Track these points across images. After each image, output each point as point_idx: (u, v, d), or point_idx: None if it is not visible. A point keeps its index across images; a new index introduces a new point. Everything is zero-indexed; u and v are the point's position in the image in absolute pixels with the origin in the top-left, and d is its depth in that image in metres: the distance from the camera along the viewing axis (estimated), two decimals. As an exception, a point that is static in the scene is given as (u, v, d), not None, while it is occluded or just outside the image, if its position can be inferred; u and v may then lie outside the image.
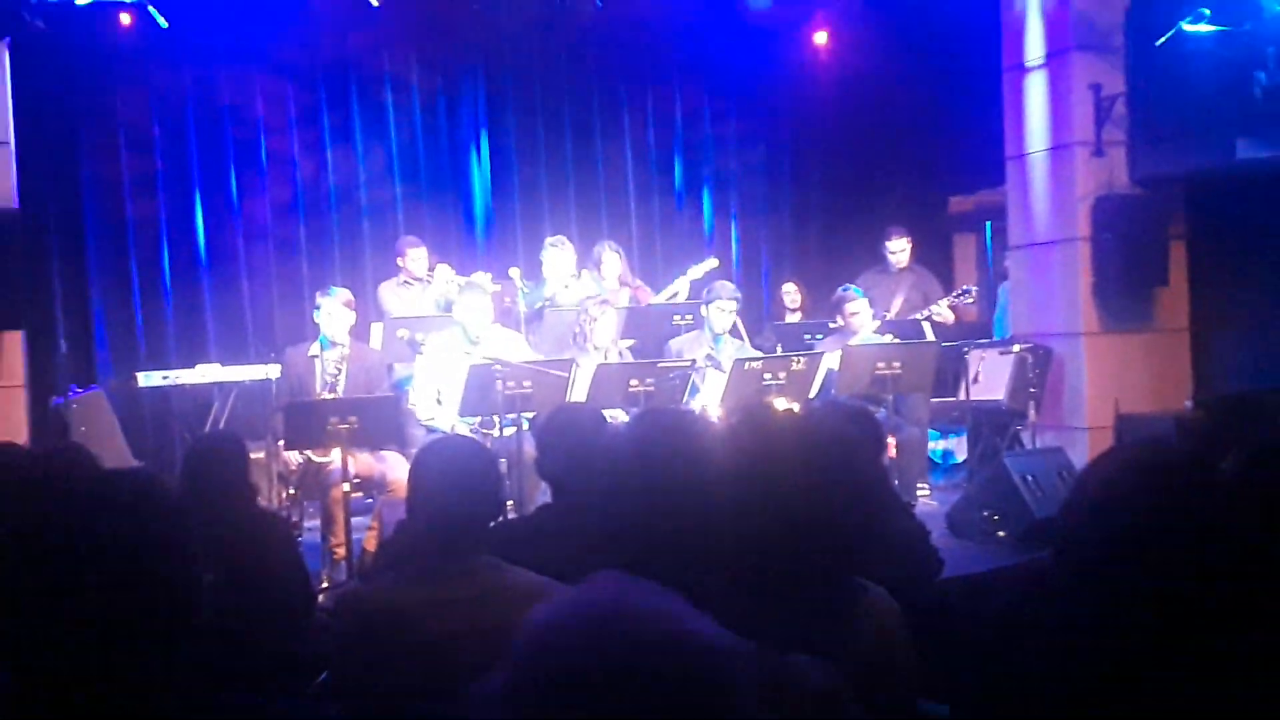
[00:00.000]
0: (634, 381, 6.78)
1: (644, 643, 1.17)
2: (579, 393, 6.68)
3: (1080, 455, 7.71)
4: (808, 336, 8.87)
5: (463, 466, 2.88)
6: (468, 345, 7.09)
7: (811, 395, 7.32)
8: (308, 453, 6.68)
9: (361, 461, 6.65)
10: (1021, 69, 9.21)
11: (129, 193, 9.77)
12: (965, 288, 9.40)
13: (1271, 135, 7.84)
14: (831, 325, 8.54)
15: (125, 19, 8.84)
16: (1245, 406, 4.98)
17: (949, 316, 9.01)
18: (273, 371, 7.94)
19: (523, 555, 2.90)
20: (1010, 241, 9.55)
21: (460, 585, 2.74)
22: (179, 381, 8.52)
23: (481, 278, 8.11)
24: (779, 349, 8.84)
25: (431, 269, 8.95)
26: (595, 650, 1.16)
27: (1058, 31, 8.92)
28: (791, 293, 10.51)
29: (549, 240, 8.92)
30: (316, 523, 6.82)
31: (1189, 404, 8.26)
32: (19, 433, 6.96)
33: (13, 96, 7.33)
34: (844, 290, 8.33)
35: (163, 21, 7.57)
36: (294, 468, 6.82)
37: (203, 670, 1.75)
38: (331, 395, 6.87)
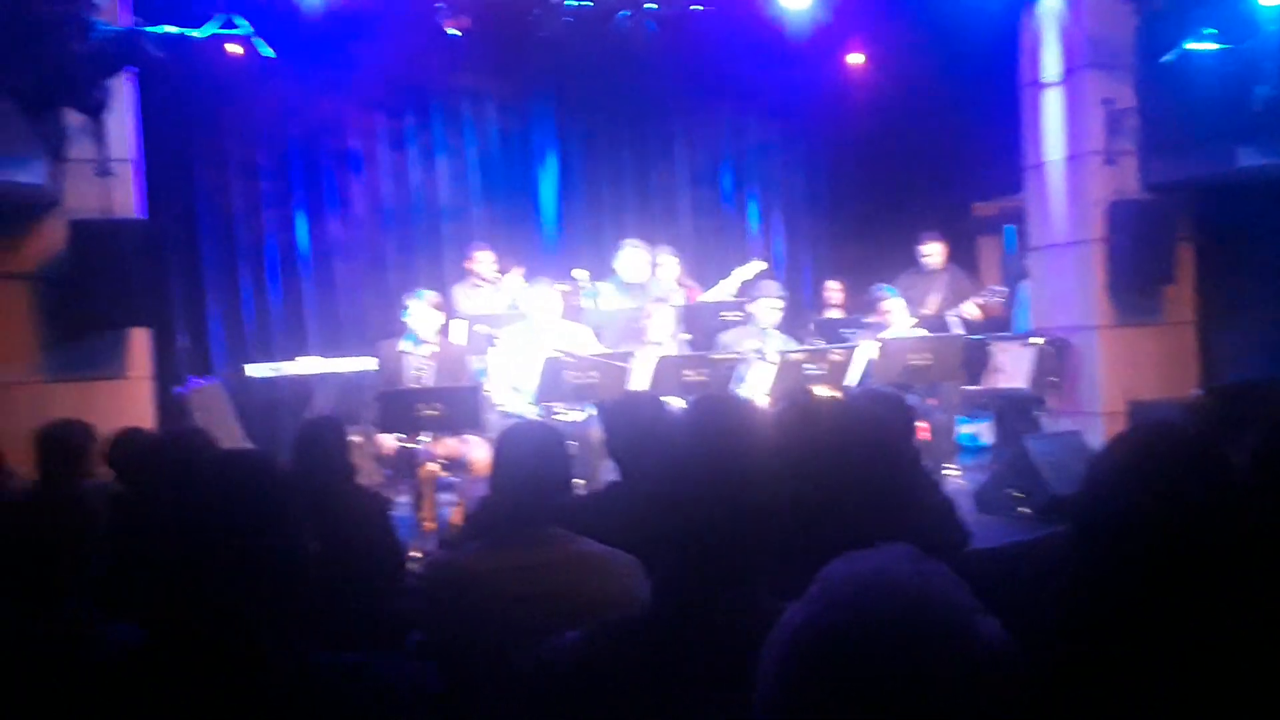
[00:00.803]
0: (689, 372, 6.78)
1: (937, 647, 1.03)
2: (639, 382, 6.69)
3: (1095, 438, 7.63)
4: (845, 331, 8.83)
5: (537, 448, 2.90)
6: (538, 339, 7.12)
7: (850, 383, 7.29)
8: (401, 437, 6.74)
9: (447, 444, 6.70)
10: (1039, 85, 9.11)
11: (238, 204, 9.91)
12: (994, 288, 9.30)
13: (1270, 145, 7.72)
14: (866, 320, 8.49)
15: (235, 49, 8.94)
16: (1250, 393, 4.89)
17: (976, 314, 8.92)
18: (368, 363, 8.03)
19: (590, 527, 2.92)
20: (1030, 243, 9.45)
21: (535, 553, 2.76)
22: (283, 372, 8.62)
23: (545, 283, 8.14)
24: (820, 343, 8.80)
25: (505, 273, 8.98)
26: (889, 653, 1.02)
27: (1073, 51, 8.81)
28: (834, 290, 10.45)
29: (627, 241, 8.91)
30: (408, 499, 6.88)
31: (1196, 391, 8.15)
32: (146, 419, 7.07)
33: (137, 118, 7.45)
34: (878, 290, 8.29)
35: (268, 51, 7.65)
36: (389, 450, 6.89)
37: (309, 629, 1.78)
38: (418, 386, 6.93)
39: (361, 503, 4.09)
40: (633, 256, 8.65)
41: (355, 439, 8.41)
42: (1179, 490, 1.58)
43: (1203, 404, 7.26)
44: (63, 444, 3.65)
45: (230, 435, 7.24)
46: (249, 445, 7.24)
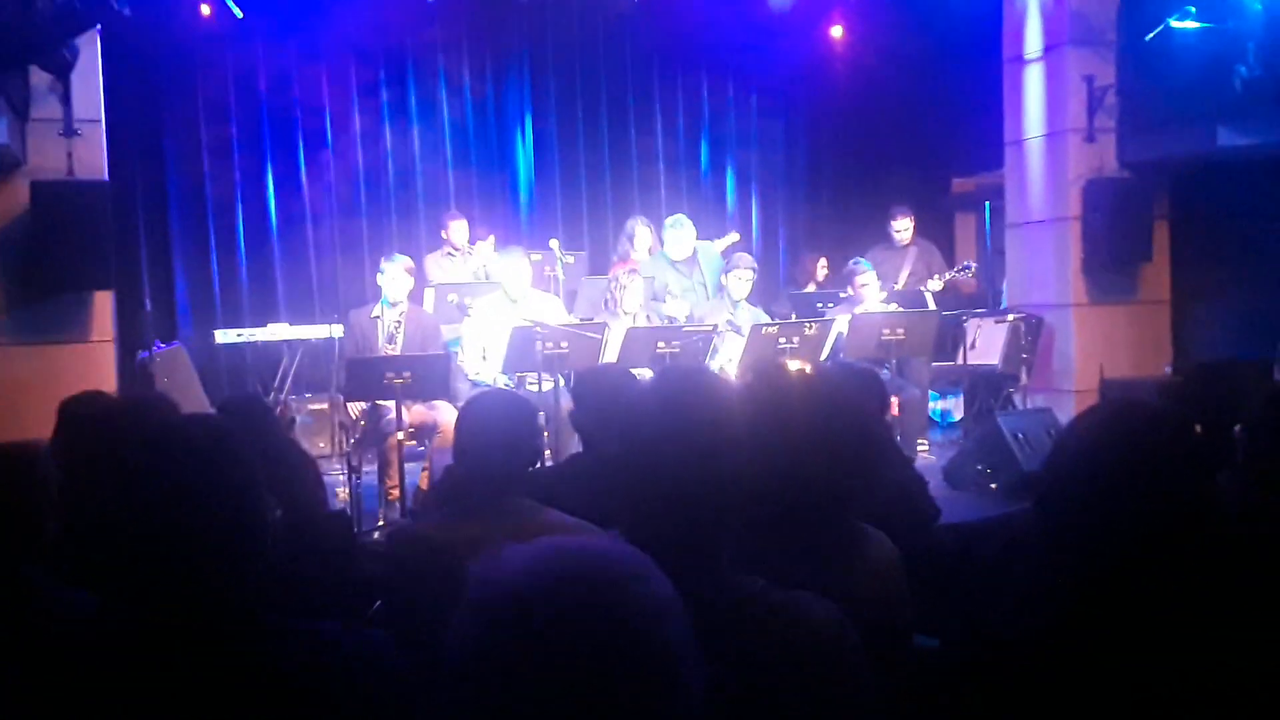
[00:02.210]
0: (661, 344, 6.78)
1: (593, 597, 1.10)
2: (611, 354, 6.68)
3: (1067, 415, 7.65)
4: (820, 305, 8.83)
5: (503, 416, 2.89)
6: (510, 308, 7.09)
7: (822, 358, 7.30)
8: (364, 405, 6.71)
9: (415, 412, 6.68)
10: (1020, 61, 9.11)
11: (207, 167, 9.81)
12: (965, 263, 9.33)
13: (1250, 125, 7.75)
14: (842, 295, 8.50)
15: (205, 9, 8.84)
16: (1220, 373, 4.93)
17: (938, 288, 8.91)
18: (336, 331, 7.98)
19: (556, 498, 2.91)
20: (1007, 220, 9.47)
21: (500, 523, 2.74)
22: (252, 339, 8.57)
23: (517, 251, 8.12)
24: (793, 316, 8.81)
25: (474, 242, 8.95)
26: (546, 603, 1.09)
27: (1054, 27, 8.81)
28: (824, 266, 10.45)
29: (639, 219, 8.84)
30: (373, 467, 6.86)
31: (1168, 370, 8.21)
32: (108, 383, 7.02)
33: (103, 78, 7.35)
34: (854, 263, 8.29)
35: (238, 12, 7.56)
36: (355, 417, 6.86)
37: (270, 596, 1.77)
38: (392, 348, 6.91)
39: (310, 470, 4.04)
40: (678, 234, 8.47)
41: (321, 407, 8.43)
42: (1146, 466, 1.58)
43: (1174, 383, 7.33)
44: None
45: (194, 401, 7.19)
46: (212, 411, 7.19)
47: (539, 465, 3.29)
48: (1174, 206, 8.99)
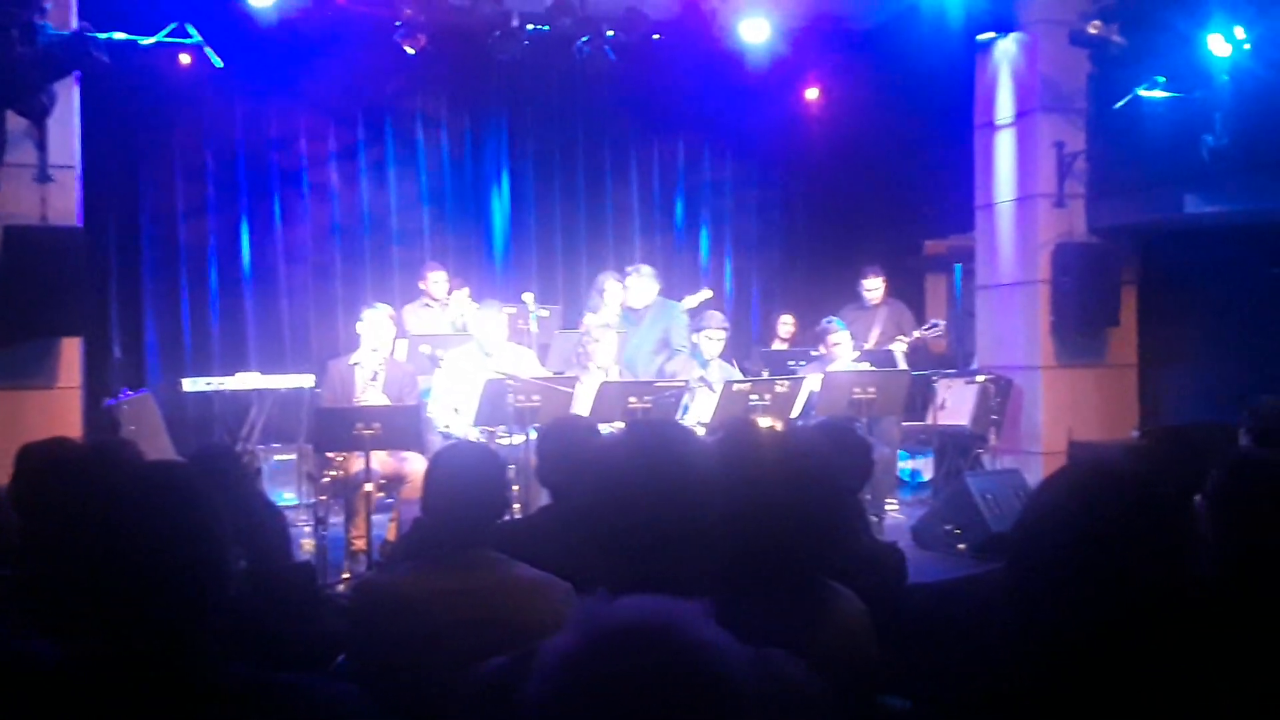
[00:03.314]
0: (633, 398, 6.77)
1: (668, 661, 1.13)
2: (583, 407, 6.67)
3: (1035, 477, 7.70)
4: (792, 363, 8.87)
5: (473, 468, 2.87)
6: (482, 360, 7.09)
7: (794, 415, 7.31)
8: (337, 460, 6.66)
9: (385, 463, 6.64)
10: (992, 127, 9.24)
11: (182, 215, 9.79)
12: (934, 322, 9.40)
13: (1216, 193, 7.87)
14: (814, 353, 8.54)
15: (184, 59, 8.86)
16: (1185, 437, 4.97)
17: (903, 348, 8.97)
18: (307, 381, 7.94)
19: (524, 552, 2.89)
20: (978, 281, 9.56)
21: (467, 576, 2.72)
22: (221, 387, 8.50)
23: (492, 304, 8.13)
24: (765, 373, 8.82)
25: (451, 293, 8.95)
26: (625, 674, 1.12)
27: (1026, 94, 8.95)
28: (788, 323, 10.51)
29: (608, 274, 8.82)
30: (340, 518, 6.80)
31: (1135, 433, 8.26)
32: (74, 430, 6.94)
33: (80, 124, 7.34)
34: (828, 322, 8.33)
35: (218, 62, 7.56)
36: (324, 468, 6.81)
37: (233, 647, 1.74)
38: (374, 387, 6.87)
39: (276, 522, 4.00)
40: (635, 282, 8.50)
41: (288, 457, 8.36)
42: (1114, 530, 1.58)
43: (1141, 446, 7.38)
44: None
45: (160, 449, 7.12)
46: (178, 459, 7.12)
47: (507, 518, 3.27)
48: (1142, 271, 9.10)
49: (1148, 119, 7.98)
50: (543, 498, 6.17)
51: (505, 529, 3.23)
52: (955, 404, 8.72)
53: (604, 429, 5.24)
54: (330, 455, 6.63)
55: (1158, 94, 7.85)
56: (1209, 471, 2.59)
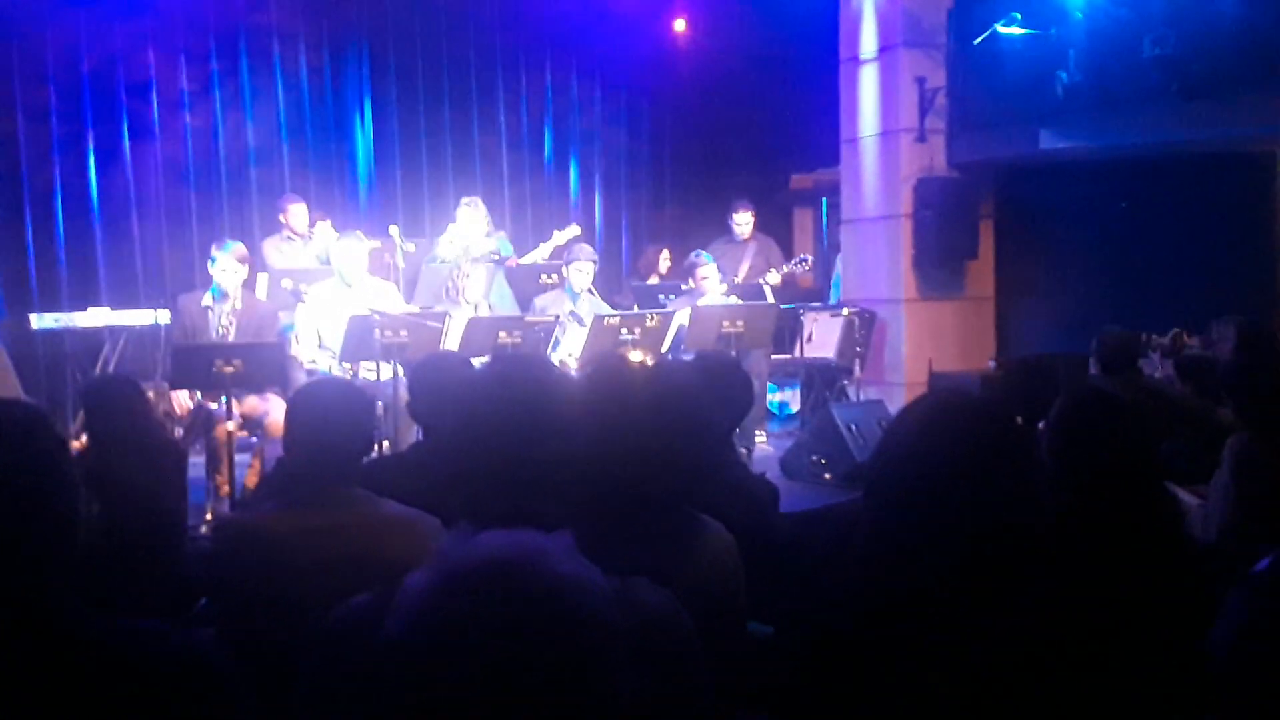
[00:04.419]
0: (503, 334, 6.73)
1: (527, 595, 1.13)
2: (452, 343, 6.61)
3: (898, 407, 7.91)
4: (662, 297, 8.91)
5: (336, 404, 2.82)
6: (346, 294, 6.95)
7: (664, 349, 7.36)
8: (197, 396, 6.48)
9: (246, 403, 6.49)
10: (856, 61, 9.35)
11: (24, 141, 9.32)
12: (802, 256, 9.53)
13: (1070, 129, 8.11)
14: (684, 287, 8.58)
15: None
16: (1038, 367, 5.16)
17: (776, 281, 9.12)
18: (162, 316, 7.68)
19: (393, 489, 2.86)
20: (842, 216, 9.71)
21: (333, 514, 2.68)
22: (71, 324, 8.18)
23: (357, 235, 7.97)
24: (635, 308, 8.85)
25: (313, 225, 8.74)
26: (485, 611, 1.12)
27: (889, 29, 9.06)
28: (667, 258, 10.52)
29: (464, 200, 8.80)
30: (201, 460, 6.63)
31: (992, 364, 8.55)
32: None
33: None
34: (696, 256, 8.38)
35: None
36: (182, 408, 6.62)
37: (87, 594, 1.69)
38: (226, 330, 6.66)
39: (155, 462, 3.90)
40: (471, 215, 8.52)
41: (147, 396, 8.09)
42: (967, 456, 1.63)
43: (996, 375, 7.64)
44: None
45: (8, 388, 6.83)
46: (26, 399, 6.85)
47: (375, 455, 3.22)
48: (999, 206, 9.36)
49: (1005, 55, 8.16)
50: (413, 435, 6.13)
51: (373, 466, 3.19)
52: (821, 337, 8.89)
53: (477, 364, 5.21)
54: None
55: (1015, 30, 8.03)
56: (1057, 400, 2.69)
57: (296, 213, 8.78)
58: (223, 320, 6.74)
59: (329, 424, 2.76)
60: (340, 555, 2.58)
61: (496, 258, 8.26)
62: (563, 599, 1.14)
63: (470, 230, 8.54)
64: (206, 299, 6.82)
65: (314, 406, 2.82)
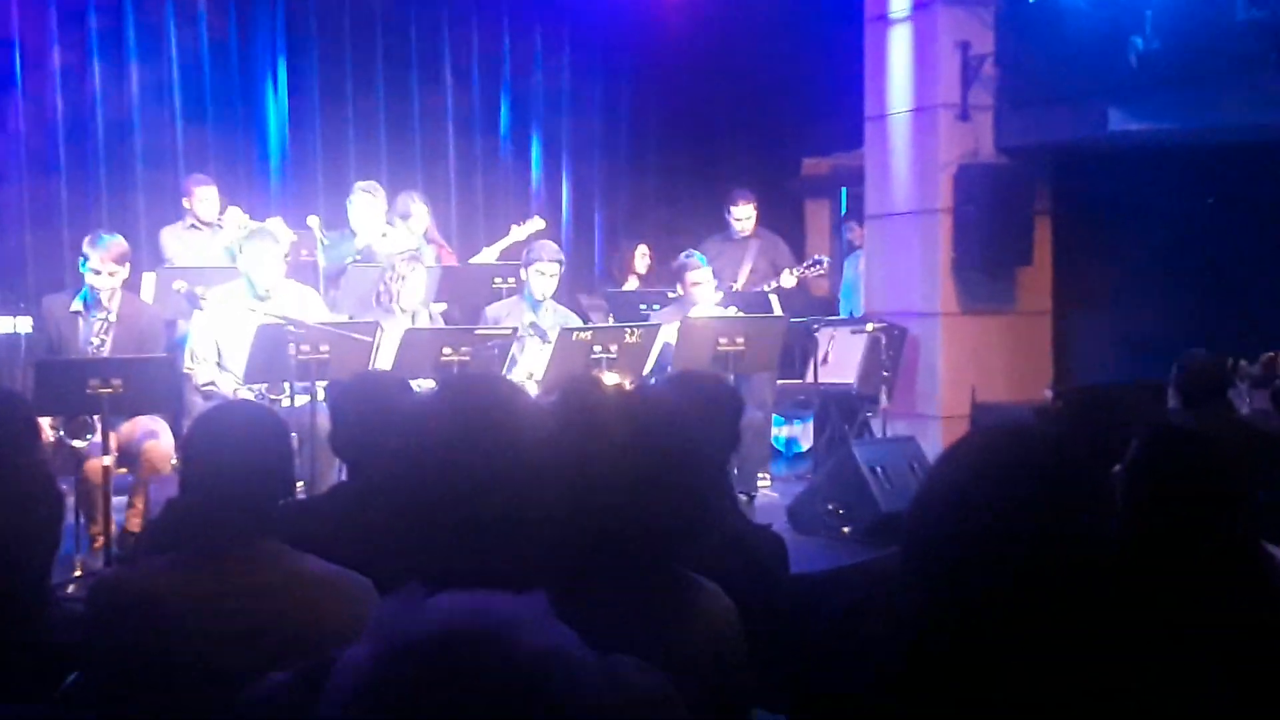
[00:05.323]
0: (447, 350, 6.73)
1: (495, 672, 1.15)
2: (384, 360, 6.60)
3: (933, 445, 7.92)
4: (644, 306, 8.92)
5: (247, 435, 2.81)
6: (254, 300, 6.94)
7: (646, 371, 7.36)
8: (60, 430, 6.44)
9: (125, 432, 6.46)
10: (885, 21, 9.37)
11: None
12: (816, 258, 9.55)
13: (1145, 107, 8.14)
14: (671, 295, 8.60)
15: None
16: (1107, 398, 5.20)
17: (792, 283, 9.14)
18: (22, 324, 7.65)
19: (314, 541, 2.85)
20: (866, 210, 9.74)
21: (239, 573, 2.66)
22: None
23: (276, 224, 7.95)
24: (610, 319, 8.85)
25: (222, 213, 8.73)
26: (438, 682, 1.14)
27: (925, -19, 9.11)
28: (645, 255, 10.53)
29: (359, 185, 8.84)
30: (71, 501, 6.59)
31: (1049, 392, 8.57)
32: None
33: None
34: (686, 257, 8.39)
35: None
36: (45, 439, 6.58)
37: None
38: (101, 344, 6.62)
39: (27, 506, 3.86)
40: (367, 204, 8.57)
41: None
42: (1023, 506, 1.63)
43: (1054, 408, 7.67)
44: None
45: None
46: None
47: (290, 498, 3.21)
48: (1057, 200, 9.39)
49: (1068, 16, 8.20)
50: (335, 474, 6.10)
51: (289, 512, 3.18)
52: (840, 358, 8.91)
53: (416, 387, 5.20)
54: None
55: (1080, -14, 8.08)
56: (1130, 439, 2.71)
57: (204, 197, 8.77)
58: (95, 331, 6.71)
59: (238, 458, 2.74)
60: (249, 624, 2.57)
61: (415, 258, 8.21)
62: (537, 678, 1.13)
63: (365, 226, 8.55)
64: (76, 304, 6.79)
65: (219, 436, 2.80)
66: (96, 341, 6.71)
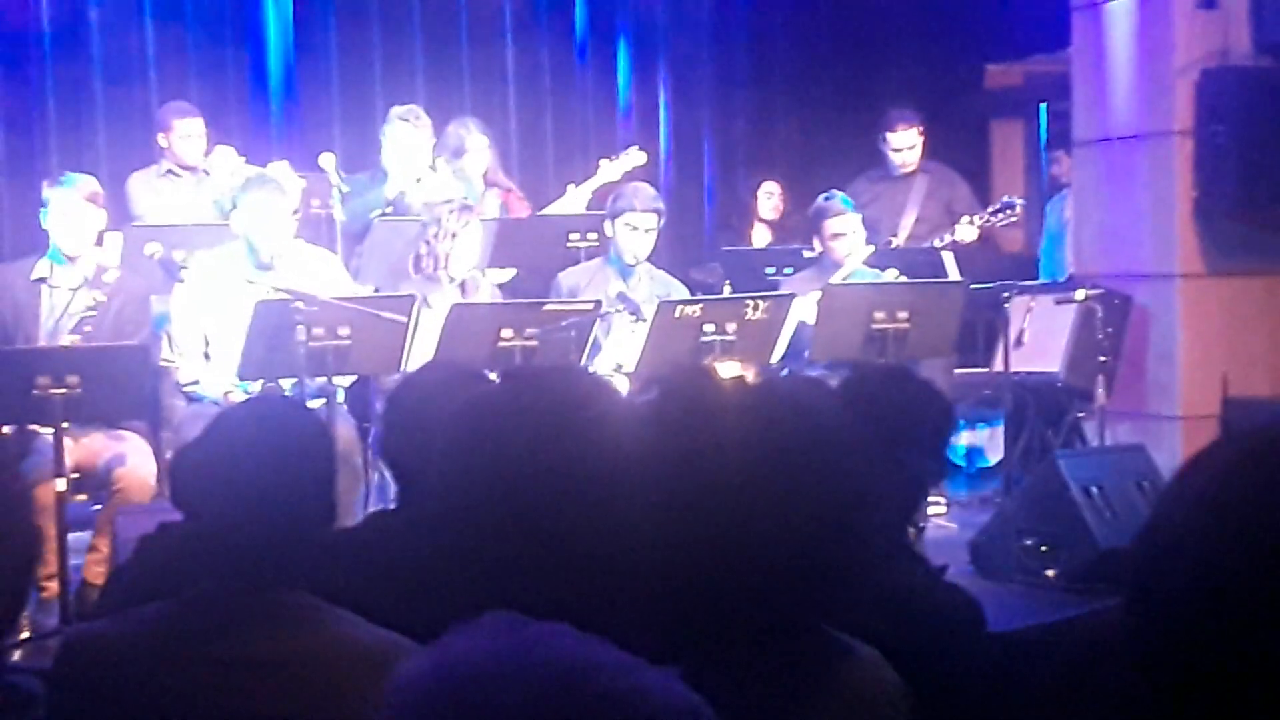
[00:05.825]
0: (507, 331, 6.78)
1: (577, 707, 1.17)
2: (423, 346, 6.65)
3: (1171, 457, 7.84)
4: (771, 270, 8.92)
5: (275, 439, 2.79)
6: (253, 270, 7.02)
7: (775, 359, 7.36)
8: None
9: (85, 446, 6.57)
10: (1099, -127, 9.30)
11: None
12: (1007, 200, 9.49)
13: None
14: (807, 253, 8.59)
15: None
16: None
17: (973, 238, 9.07)
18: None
19: (353, 590, 2.86)
20: (1075, 134, 9.66)
21: (258, 637, 2.66)
22: None
23: (280, 169, 8.03)
24: (728, 287, 8.86)
25: (208, 154, 8.85)
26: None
27: None
28: (773, 194, 10.51)
29: (396, 111, 8.88)
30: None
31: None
32: None
33: None
34: (826, 199, 8.39)
35: None
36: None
37: None
38: (73, 339, 6.67)
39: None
40: (406, 136, 8.65)
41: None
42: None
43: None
44: None
45: None
46: None
47: (330, 527, 3.21)
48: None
49: None
50: (359, 493, 6.18)
51: (317, 550, 3.21)
52: (1040, 338, 8.84)
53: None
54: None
55: None
56: None
57: (187, 133, 8.89)
58: (62, 303, 6.79)
59: (262, 473, 2.71)
60: (269, 711, 2.59)
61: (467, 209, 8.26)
62: None
63: (404, 166, 8.61)
64: (41, 268, 6.89)
65: (237, 441, 2.79)
66: (70, 317, 6.74)
